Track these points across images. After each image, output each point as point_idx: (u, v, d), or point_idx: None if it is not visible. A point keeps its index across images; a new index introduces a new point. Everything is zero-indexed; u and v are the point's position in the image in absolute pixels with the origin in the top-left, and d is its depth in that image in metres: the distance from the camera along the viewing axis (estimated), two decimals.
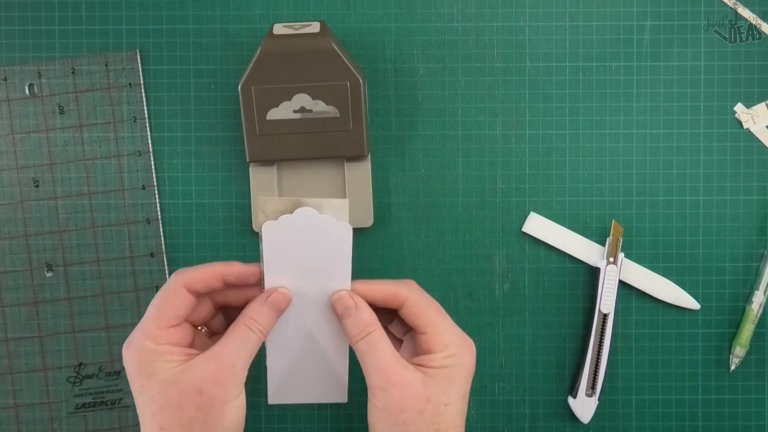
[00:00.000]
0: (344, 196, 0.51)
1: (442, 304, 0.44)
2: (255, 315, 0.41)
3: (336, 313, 0.43)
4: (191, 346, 0.42)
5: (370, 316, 0.42)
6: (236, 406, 0.40)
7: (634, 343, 0.52)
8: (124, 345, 0.41)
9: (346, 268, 0.43)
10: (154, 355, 0.40)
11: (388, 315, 0.45)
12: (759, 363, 0.52)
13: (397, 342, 0.46)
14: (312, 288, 0.43)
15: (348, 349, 0.44)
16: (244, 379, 0.41)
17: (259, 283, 0.43)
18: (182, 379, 0.39)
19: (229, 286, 0.42)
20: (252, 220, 0.51)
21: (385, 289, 0.43)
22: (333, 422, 0.53)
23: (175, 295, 0.41)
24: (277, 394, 0.45)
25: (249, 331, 0.41)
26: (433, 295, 0.44)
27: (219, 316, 0.45)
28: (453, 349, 0.42)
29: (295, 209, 0.42)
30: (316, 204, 0.42)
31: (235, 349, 0.40)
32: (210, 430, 0.39)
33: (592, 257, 0.52)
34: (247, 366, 0.41)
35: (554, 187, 0.52)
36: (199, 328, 0.44)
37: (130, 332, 0.51)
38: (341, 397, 0.45)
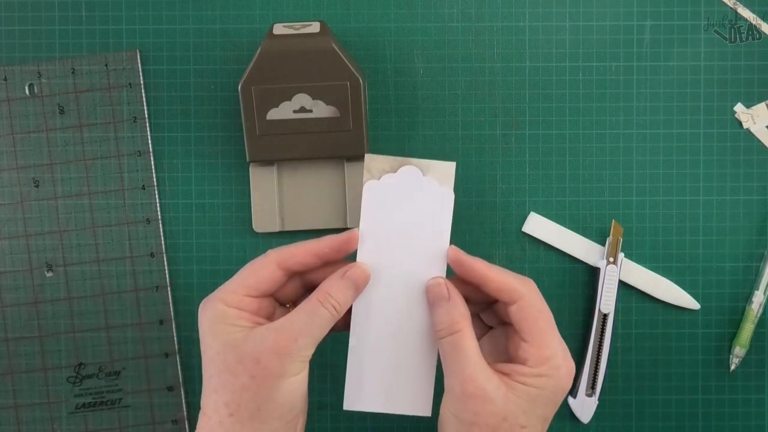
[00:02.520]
0: (344, 197, 0.51)
1: None
2: (329, 289, 0.39)
3: (428, 299, 0.41)
4: (270, 319, 0.41)
5: (461, 313, 0.39)
6: (293, 383, 0.39)
7: (634, 343, 0.52)
8: (201, 304, 0.40)
9: (443, 240, 0.41)
10: (222, 316, 0.39)
11: (484, 302, 0.42)
12: (759, 363, 0.52)
13: (485, 328, 0.44)
14: (405, 261, 0.41)
15: (437, 352, 0.41)
16: (309, 357, 0.39)
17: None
18: (243, 344, 0.38)
19: (325, 262, 0.41)
20: (252, 221, 0.51)
21: (504, 281, 0.40)
22: (333, 422, 0.52)
23: (263, 269, 0.40)
24: (354, 399, 0.42)
25: (320, 305, 0.39)
26: None
27: (307, 296, 0.43)
28: (549, 369, 0.39)
29: (400, 168, 0.41)
30: (422, 165, 0.41)
31: (301, 323, 0.38)
32: (261, 401, 0.38)
33: (592, 257, 0.52)
34: (314, 343, 0.39)
35: (554, 187, 0.52)
36: (288, 306, 0.43)
37: (130, 332, 0.52)
38: (425, 410, 0.42)
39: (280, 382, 0.38)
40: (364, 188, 0.41)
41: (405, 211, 0.41)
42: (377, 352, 0.42)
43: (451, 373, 0.39)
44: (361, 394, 0.42)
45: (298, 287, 0.42)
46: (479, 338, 0.44)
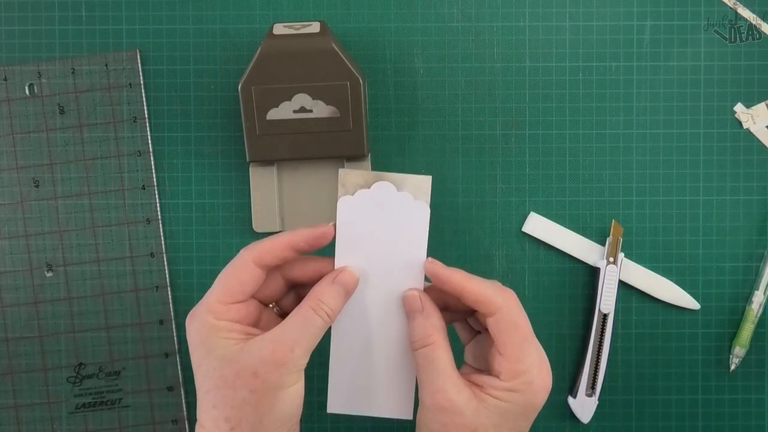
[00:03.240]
0: None
1: None
2: (321, 295, 0.39)
3: (404, 310, 0.41)
4: (257, 324, 0.41)
5: (433, 325, 0.40)
6: (291, 394, 0.39)
7: (634, 343, 0.52)
8: (188, 317, 0.40)
9: (420, 253, 0.41)
10: (214, 330, 0.39)
11: (467, 310, 0.42)
12: (759, 363, 0.52)
13: (473, 332, 0.44)
14: (383, 274, 0.41)
15: None
16: (304, 366, 0.39)
17: (333, 248, 0.41)
18: (239, 358, 0.38)
19: (300, 253, 0.41)
20: (252, 221, 0.51)
21: (482, 292, 0.39)
22: (333, 422, 0.52)
23: (243, 270, 0.40)
24: (337, 402, 0.43)
25: (313, 313, 0.39)
26: None
27: (291, 294, 0.44)
28: (521, 384, 0.39)
29: (374, 183, 0.41)
30: (396, 179, 0.41)
31: (295, 332, 0.38)
32: (262, 414, 0.38)
33: (592, 257, 0.52)
34: (308, 352, 0.39)
35: (554, 187, 0.52)
36: (270, 306, 0.43)
37: (130, 332, 0.52)
38: (406, 413, 0.42)
39: (279, 393, 0.38)
40: (338, 203, 0.41)
41: (380, 226, 0.41)
42: (358, 358, 0.42)
43: (423, 385, 0.39)
44: (344, 398, 0.42)
45: (280, 285, 0.42)
46: (467, 342, 0.44)
